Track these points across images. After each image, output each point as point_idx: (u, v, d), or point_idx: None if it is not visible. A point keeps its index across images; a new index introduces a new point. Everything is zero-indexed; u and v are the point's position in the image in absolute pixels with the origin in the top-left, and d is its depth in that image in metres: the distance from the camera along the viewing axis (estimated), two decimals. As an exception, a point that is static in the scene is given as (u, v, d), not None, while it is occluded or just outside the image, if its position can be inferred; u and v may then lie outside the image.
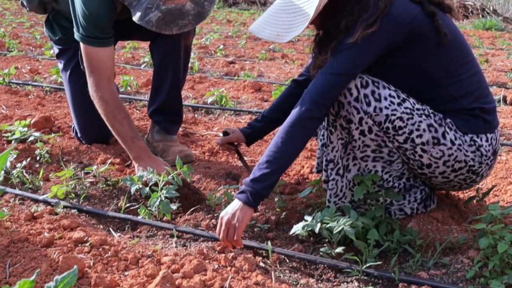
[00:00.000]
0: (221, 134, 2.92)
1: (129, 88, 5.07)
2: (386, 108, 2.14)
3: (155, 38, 3.13)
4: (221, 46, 8.43)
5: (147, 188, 2.56)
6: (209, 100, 4.59)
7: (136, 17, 2.57)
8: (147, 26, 2.57)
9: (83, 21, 2.77)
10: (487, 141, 2.26)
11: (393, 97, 2.15)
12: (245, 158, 3.26)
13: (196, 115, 4.36)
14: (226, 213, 2.14)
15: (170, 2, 2.57)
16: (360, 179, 2.27)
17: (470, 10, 17.83)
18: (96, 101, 2.90)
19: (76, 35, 2.83)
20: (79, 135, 3.32)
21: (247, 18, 15.40)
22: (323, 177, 2.37)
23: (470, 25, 15.72)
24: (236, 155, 2.91)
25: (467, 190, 2.70)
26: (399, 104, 2.15)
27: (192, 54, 7.29)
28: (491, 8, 17.67)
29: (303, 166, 3.10)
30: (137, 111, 4.35)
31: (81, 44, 2.85)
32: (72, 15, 2.82)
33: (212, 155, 3.30)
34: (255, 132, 2.80)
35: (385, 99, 2.14)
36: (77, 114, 3.25)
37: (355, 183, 2.30)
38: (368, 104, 2.14)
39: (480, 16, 17.09)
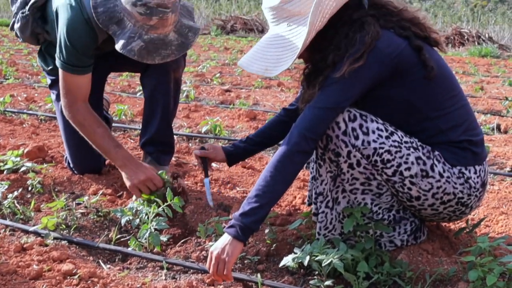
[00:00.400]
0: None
1: (123, 117, 5.09)
2: (374, 141, 2.15)
3: (145, 71, 3.15)
4: (218, 74, 8.47)
5: (138, 219, 2.56)
6: (203, 129, 4.60)
7: (118, 46, 2.61)
8: (128, 55, 2.60)
9: (64, 49, 2.81)
10: (475, 173, 2.27)
11: (381, 130, 2.17)
12: (237, 189, 3.26)
13: (190, 144, 4.37)
14: (215, 248, 2.14)
15: (153, 32, 2.60)
16: (349, 211, 2.27)
17: (466, 37, 17.98)
18: (72, 120, 2.95)
19: (57, 61, 2.89)
20: (71, 165, 3.32)
21: (245, 46, 15.49)
22: (313, 210, 2.38)
23: (466, 52, 15.83)
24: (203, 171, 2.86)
25: (458, 221, 2.70)
26: (387, 137, 2.16)
27: (188, 82, 7.35)
28: (487, 36, 17.82)
29: (295, 197, 3.10)
30: (132, 140, 4.36)
31: (59, 69, 2.90)
32: (57, 42, 2.87)
33: (204, 185, 3.29)
34: (238, 152, 2.79)
35: (373, 132, 2.16)
36: (69, 145, 3.26)
37: (344, 216, 2.31)
38: (356, 138, 2.15)
39: (476, 43, 17.22)
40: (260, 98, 6.71)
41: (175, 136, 4.33)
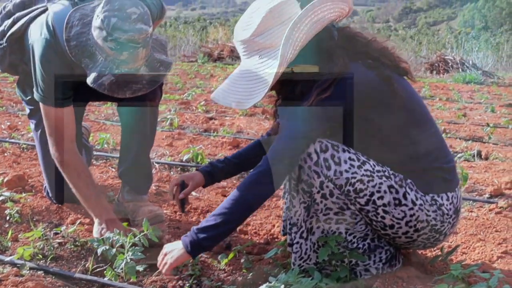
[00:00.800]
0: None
1: (106, 145, 5.08)
2: (346, 171, 2.17)
3: (122, 100, 3.16)
4: (203, 102, 8.49)
5: (114, 249, 2.55)
6: (185, 158, 4.60)
7: (89, 80, 2.62)
8: (99, 89, 2.61)
9: (41, 81, 2.83)
10: (448, 200, 2.30)
11: (353, 160, 2.19)
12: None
13: (171, 173, 4.38)
14: (168, 247, 2.30)
15: (124, 66, 2.61)
16: (324, 240, 2.29)
17: (450, 64, 18.19)
18: (57, 161, 2.95)
19: (35, 95, 2.90)
20: (50, 194, 3.32)
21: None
22: (288, 240, 2.38)
23: (451, 78, 16.00)
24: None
25: (435, 248, 2.71)
26: (359, 167, 2.19)
27: (172, 110, 7.36)
28: (471, 62, 18.03)
29: (273, 225, 3.10)
30: (113, 169, 4.35)
31: (40, 104, 2.91)
32: (33, 75, 2.88)
33: (183, 214, 3.30)
34: (215, 172, 2.75)
35: (345, 162, 2.18)
36: (48, 174, 3.26)
37: (319, 245, 2.32)
38: (328, 168, 2.17)
39: (460, 70, 17.40)
40: (244, 125, 6.73)
41: (156, 165, 4.36)
